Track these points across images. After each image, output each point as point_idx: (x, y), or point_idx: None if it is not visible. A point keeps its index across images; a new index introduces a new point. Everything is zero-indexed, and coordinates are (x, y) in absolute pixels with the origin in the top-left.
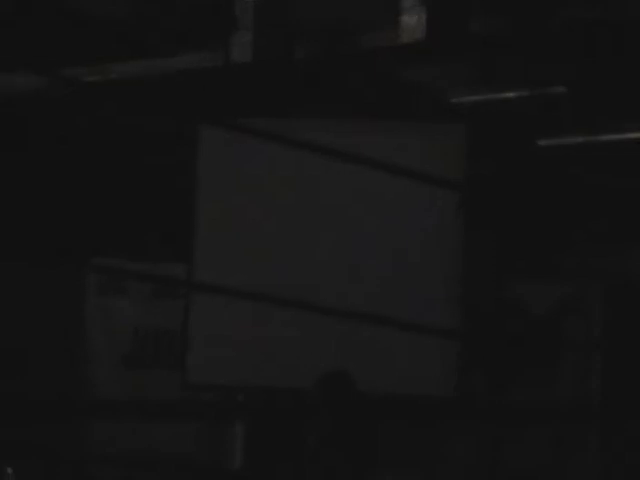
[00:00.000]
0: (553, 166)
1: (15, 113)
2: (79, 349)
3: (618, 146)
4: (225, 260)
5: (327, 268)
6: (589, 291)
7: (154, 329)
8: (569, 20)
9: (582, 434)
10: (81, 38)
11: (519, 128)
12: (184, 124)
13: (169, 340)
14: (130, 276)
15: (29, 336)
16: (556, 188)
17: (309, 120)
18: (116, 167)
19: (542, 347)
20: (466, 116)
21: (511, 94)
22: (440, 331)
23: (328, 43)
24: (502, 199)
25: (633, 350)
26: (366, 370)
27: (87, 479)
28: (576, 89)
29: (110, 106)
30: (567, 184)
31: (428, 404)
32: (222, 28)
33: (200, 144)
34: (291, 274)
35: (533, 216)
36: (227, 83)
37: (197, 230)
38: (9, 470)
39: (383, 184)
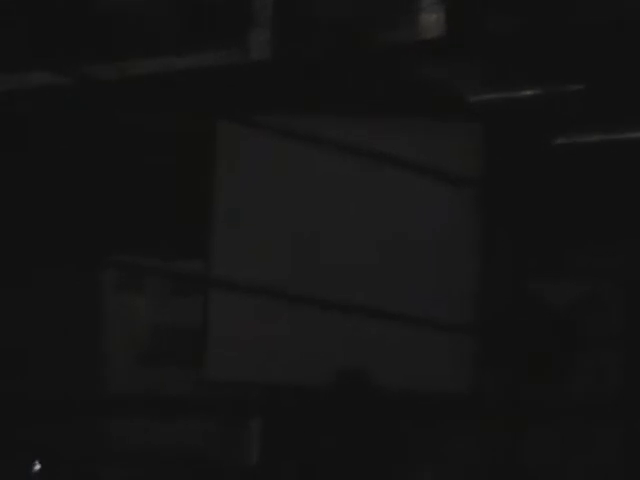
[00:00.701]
0: (570, 164)
1: (28, 110)
2: (96, 346)
3: (635, 144)
4: (243, 257)
5: (344, 264)
6: (609, 288)
7: (172, 326)
8: (586, 18)
9: (601, 432)
10: (97, 35)
11: (536, 126)
12: (201, 121)
13: (186, 337)
14: (148, 273)
15: (46, 333)
16: (573, 185)
17: (326, 117)
18: (134, 163)
19: (561, 344)
20: (483, 114)
21: (528, 92)
22: (456, 328)
23: (346, 41)
24: (520, 196)
25: None
26: (382, 367)
27: (102, 476)
28: (593, 87)
29: (126, 103)
30: (581, 181)
31: (444, 401)
32: (240, 25)
33: (217, 140)
34: (308, 271)
35: (552, 213)
36: (245, 80)
37: (215, 227)
38: (37, 464)
39: (400, 181)
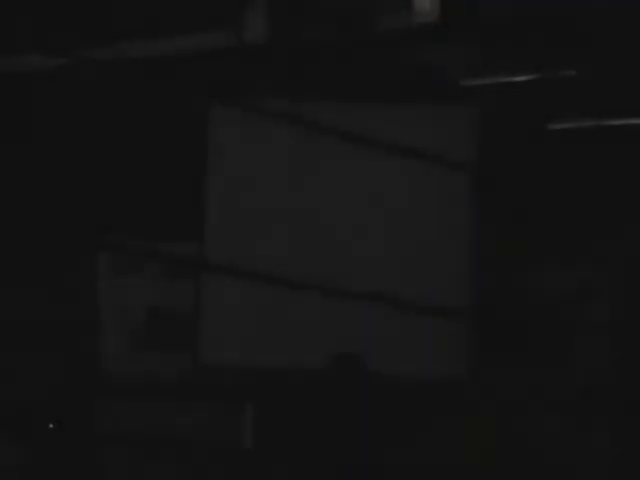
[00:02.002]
0: (565, 150)
1: (28, 93)
2: (92, 329)
3: (629, 130)
4: (237, 240)
5: (338, 249)
6: (608, 276)
7: (168, 309)
8: (579, 4)
9: (598, 420)
10: (94, 17)
11: (531, 111)
12: (196, 103)
13: (182, 321)
14: (144, 256)
15: (42, 316)
16: (571, 172)
17: (320, 102)
18: (128, 146)
19: (557, 329)
20: (478, 99)
21: (523, 77)
22: (451, 313)
23: (341, 25)
24: (515, 182)
25: None
26: (379, 352)
27: (98, 458)
28: (587, 73)
29: (121, 86)
30: (576, 167)
31: (439, 386)
32: (235, 8)
33: (212, 123)
34: (302, 255)
35: (546, 199)
36: (239, 64)
37: (209, 210)
38: (51, 425)
39: (394, 166)
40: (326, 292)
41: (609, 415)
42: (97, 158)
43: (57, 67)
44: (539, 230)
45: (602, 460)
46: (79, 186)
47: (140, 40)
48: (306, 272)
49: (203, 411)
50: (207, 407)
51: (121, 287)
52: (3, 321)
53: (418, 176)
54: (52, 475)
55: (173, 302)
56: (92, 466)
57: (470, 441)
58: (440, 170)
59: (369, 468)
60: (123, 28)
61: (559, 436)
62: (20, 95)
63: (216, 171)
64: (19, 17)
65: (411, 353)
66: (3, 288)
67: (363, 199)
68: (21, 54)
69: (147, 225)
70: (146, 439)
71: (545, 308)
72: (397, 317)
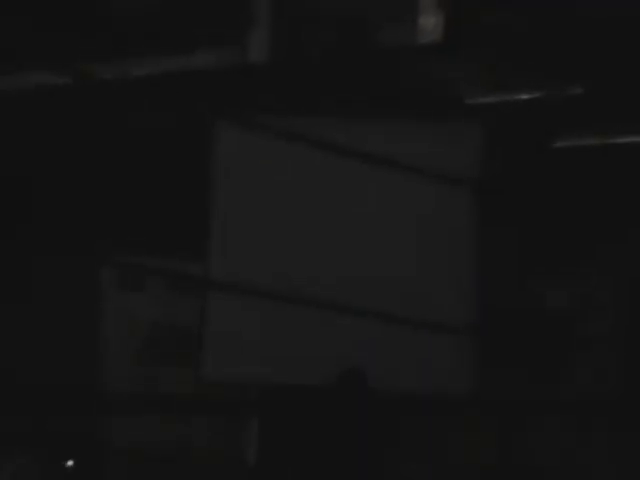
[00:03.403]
0: (568, 167)
1: (30, 110)
2: (96, 345)
3: (635, 148)
4: (242, 257)
5: (342, 265)
6: (609, 289)
7: (172, 325)
8: (586, 19)
9: (600, 431)
10: (96, 35)
11: (534, 129)
12: (200, 121)
13: (186, 336)
14: (148, 272)
15: (46, 331)
16: (574, 187)
17: (324, 119)
18: (133, 163)
19: (559, 344)
20: (482, 116)
21: (527, 95)
22: (455, 329)
23: (345, 41)
24: (518, 198)
25: None
26: (381, 368)
27: (100, 474)
28: (593, 90)
29: (125, 103)
30: (585, 184)
31: (443, 402)
32: (239, 25)
33: (216, 141)
34: (306, 271)
35: (550, 215)
36: (243, 81)
37: (214, 227)
38: (70, 462)
39: (398, 183)
40: (329, 308)
41: (611, 431)
42: (102, 175)
43: (61, 84)
44: (543, 247)
45: (604, 476)
46: (83, 202)
47: (144, 58)
48: (309, 288)
49: (206, 427)
50: (210, 423)
51: (125, 303)
52: (6, 336)
53: (421, 193)
54: None
55: (177, 318)
56: None
57: (471, 457)
58: (443, 187)
59: None
60: (127, 45)
61: (560, 451)
62: (23, 112)
63: (220, 188)
64: (21, 34)
65: (413, 369)
66: (6, 303)
67: (366, 216)
68: (23, 71)
69: (151, 241)
70: (148, 454)
71: (549, 323)
72: (399, 333)
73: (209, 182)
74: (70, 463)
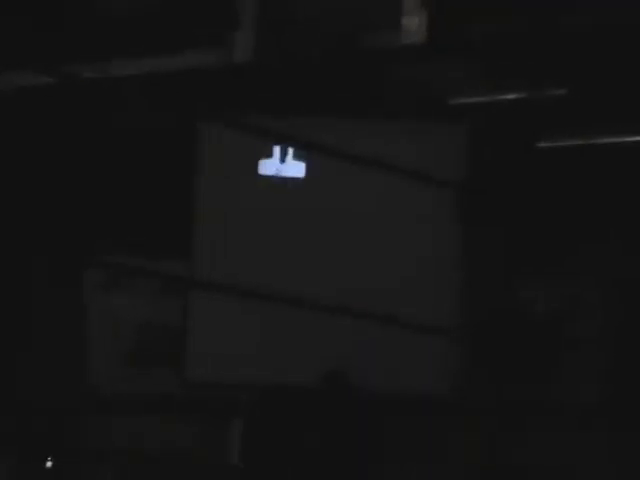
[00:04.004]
0: (554, 167)
1: (15, 111)
2: (81, 346)
3: (618, 149)
4: (226, 257)
5: (327, 266)
6: (597, 289)
7: (157, 326)
8: (570, 21)
9: (589, 432)
10: (81, 35)
11: (519, 129)
12: (185, 121)
13: (171, 337)
14: (133, 272)
15: (31, 333)
16: (558, 189)
17: (308, 119)
18: (117, 163)
19: (546, 347)
20: (467, 117)
21: (511, 95)
22: (443, 330)
23: (329, 43)
24: (504, 199)
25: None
26: (367, 369)
27: (88, 475)
28: (577, 91)
29: (109, 104)
30: (569, 185)
31: (429, 403)
32: (223, 26)
33: (201, 141)
34: (291, 272)
35: (536, 216)
36: (228, 81)
37: (198, 227)
38: (49, 461)
39: (383, 184)
40: (315, 309)
41: (601, 431)
42: (86, 175)
43: (44, 85)
44: (528, 247)
45: (593, 476)
46: (68, 203)
47: (129, 58)
48: (295, 289)
49: (191, 427)
50: (195, 423)
51: (110, 304)
52: None
53: (406, 194)
54: None
55: (162, 319)
56: None
57: (457, 458)
58: (429, 188)
59: None
60: (112, 46)
61: (549, 452)
62: (5, 113)
63: (205, 188)
64: (5, 34)
65: (401, 370)
66: None
67: (351, 216)
68: (7, 71)
69: (136, 242)
70: (134, 455)
71: (536, 324)
72: (386, 334)
73: (193, 182)
74: (49, 464)
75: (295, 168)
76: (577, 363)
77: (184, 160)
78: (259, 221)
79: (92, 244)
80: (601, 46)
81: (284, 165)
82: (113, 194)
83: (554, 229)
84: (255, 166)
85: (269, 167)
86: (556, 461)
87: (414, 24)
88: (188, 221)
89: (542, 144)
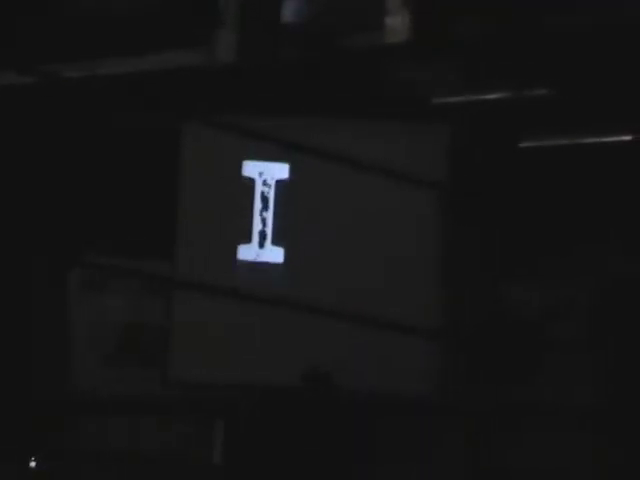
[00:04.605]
0: (537, 167)
1: None
2: (63, 346)
3: (601, 148)
4: (209, 257)
5: (310, 266)
6: (578, 293)
7: (141, 326)
8: (553, 22)
9: (571, 437)
10: (63, 35)
11: (503, 129)
12: (168, 121)
13: (154, 337)
14: (116, 272)
15: (13, 333)
16: (542, 189)
17: (293, 119)
18: (100, 163)
19: (528, 349)
20: (450, 117)
21: (495, 95)
22: (427, 331)
23: (313, 43)
24: (489, 200)
25: (623, 351)
26: (349, 370)
27: (69, 475)
28: (559, 91)
29: (92, 104)
30: (552, 186)
31: (413, 404)
32: (207, 26)
33: (184, 141)
34: (274, 272)
35: (520, 218)
36: (211, 82)
37: (181, 227)
38: (32, 462)
39: (367, 184)
40: (299, 309)
41: (586, 433)
42: (69, 176)
43: (27, 84)
44: (512, 247)
45: (579, 477)
46: (51, 203)
47: (112, 58)
48: (279, 289)
49: (174, 428)
50: (178, 424)
51: (94, 304)
52: None
53: (390, 193)
54: None
55: (146, 319)
56: None
57: (442, 459)
58: (412, 187)
59: None
60: (95, 46)
61: (534, 453)
62: None
63: (188, 188)
64: None
65: (383, 371)
66: None
67: (335, 217)
68: None
69: (119, 242)
70: (117, 455)
71: (520, 325)
72: (369, 335)
73: (177, 183)
74: (33, 464)
75: (273, 253)
76: (566, 365)
77: (167, 160)
78: (242, 221)
79: (75, 245)
80: (585, 46)
81: (263, 250)
82: (96, 195)
83: (540, 230)
84: (238, 166)
85: (248, 252)
86: (546, 463)
87: (397, 24)
88: (171, 221)
89: (527, 143)
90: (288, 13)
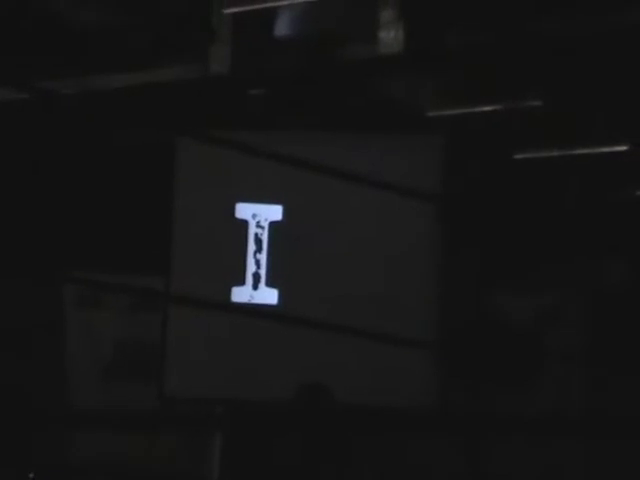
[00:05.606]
0: (530, 179)
1: None
2: (58, 362)
3: (595, 159)
4: (203, 272)
5: (304, 280)
6: (569, 302)
7: (133, 341)
8: (545, 34)
9: (564, 445)
10: (57, 50)
11: (496, 141)
12: (162, 136)
13: (148, 353)
14: (109, 288)
15: (8, 349)
16: (534, 200)
17: (286, 133)
18: (93, 178)
19: (521, 358)
20: (443, 129)
21: (488, 108)
22: (419, 343)
23: (306, 56)
24: (481, 211)
25: (615, 360)
26: (344, 383)
27: None
28: (553, 103)
29: (86, 119)
30: (544, 196)
31: (407, 415)
32: (200, 40)
33: (177, 156)
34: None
35: (513, 228)
36: (204, 96)
37: (174, 243)
38: (31, 475)
39: (361, 197)
40: (294, 322)
41: (579, 441)
42: (62, 191)
43: (21, 100)
44: (505, 258)
45: None
46: (44, 219)
47: (106, 72)
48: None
49: (170, 442)
50: (174, 439)
51: (88, 320)
52: None
53: (384, 207)
54: None
55: (140, 334)
56: None
57: (438, 468)
58: (406, 201)
59: None
60: (89, 60)
61: (529, 461)
62: None
63: (182, 203)
64: None
65: (378, 383)
66: None
67: (329, 230)
68: None
69: (112, 257)
70: (111, 469)
71: (515, 335)
72: (364, 347)
73: (171, 198)
74: (32, 476)
75: (267, 295)
76: (556, 373)
77: (160, 175)
78: (236, 235)
79: (69, 260)
80: (579, 57)
81: (257, 292)
82: (89, 210)
83: (533, 240)
84: (232, 180)
85: (242, 294)
86: (536, 470)
87: (391, 37)
88: (165, 236)
89: (518, 156)
90: (281, 27)
